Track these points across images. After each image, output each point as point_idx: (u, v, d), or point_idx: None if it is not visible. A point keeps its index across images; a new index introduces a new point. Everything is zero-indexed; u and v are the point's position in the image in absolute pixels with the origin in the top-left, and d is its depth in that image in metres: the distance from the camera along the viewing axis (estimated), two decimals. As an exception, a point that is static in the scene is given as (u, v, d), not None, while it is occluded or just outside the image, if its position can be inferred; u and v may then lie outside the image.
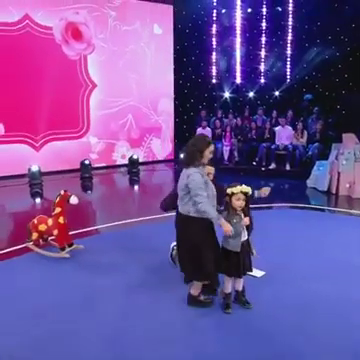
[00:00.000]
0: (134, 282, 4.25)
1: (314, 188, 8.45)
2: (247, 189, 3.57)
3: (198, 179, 3.50)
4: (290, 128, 9.93)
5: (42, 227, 4.91)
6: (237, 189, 3.55)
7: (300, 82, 11.67)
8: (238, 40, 12.09)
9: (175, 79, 12.00)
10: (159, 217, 6.48)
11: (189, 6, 11.63)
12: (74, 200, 4.85)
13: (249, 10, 11.80)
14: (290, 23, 11.80)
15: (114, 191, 9.49)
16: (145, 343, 3.24)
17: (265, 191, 3.99)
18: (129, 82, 10.95)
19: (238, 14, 11.87)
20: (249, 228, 3.62)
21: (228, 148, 10.19)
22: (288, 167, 9.67)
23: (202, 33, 12.22)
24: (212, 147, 3.63)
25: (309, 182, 8.61)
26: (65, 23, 9.79)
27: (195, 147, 3.59)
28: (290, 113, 10.39)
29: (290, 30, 11.83)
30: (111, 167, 10.98)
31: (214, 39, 12.22)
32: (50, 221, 4.89)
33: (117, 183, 10.36)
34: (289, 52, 11.93)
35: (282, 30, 12.07)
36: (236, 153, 10.17)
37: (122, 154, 11.14)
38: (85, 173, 9.72)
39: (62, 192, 4.89)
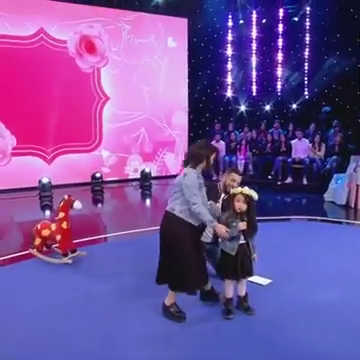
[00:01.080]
0: (135, 287, 4.31)
1: (332, 202, 8.37)
2: (249, 192, 3.60)
3: (194, 179, 3.57)
4: (307, 141, 9.94)
5: (45, 232, 5.03)
6: (238, 190, 3.60)
7: (319, 95, 11.71)
8: (254, 53, 12.28)
9: (190, 93, 12.21)
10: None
11: (204, 20, 11.90)
12: (78, 205, 4.97)
13: (264, 21, 12.00)
14: (308, 35, 11.93)
15: (123, 203, 9.63)
16: (141, 345, 3.26)
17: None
18: (142, 95, 11.20)
19: (254, 27, 12.09)
20: (246, 232, 3.61)
21: (243, 162, 10.24)
22: (305, 181, 9.62)
23: (218, 47, 12.45)
24: (215, 155, 3.75)
25: (327, 196, 8.53)
26: (79, 36, 10.18)
27: (202, 151, 3.68)
28: (312, 126, 10.46)
29: (308, 42, 11.96)
30: (123, 181, 11.13)
31: (230, 52, 12.45)
32: (53, 226, 5.01)
33: (127, 196, 10.49)
34: (307, 64, 12.02)
35: (300, 42, 12.21)
36: (251, 167, 10.19)
37: (134, 168, 11.30)
38: (96, 186, 9.92)
39: (66, 197, 5.02)
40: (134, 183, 10.90)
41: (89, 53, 10.38)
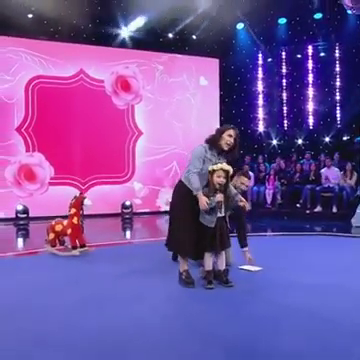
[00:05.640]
0: (131, 270, 4.82)
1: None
2: (227, 167, 4.10)
3: (200, 151, 4.13)
4: (336, 169, 10.13)
5: (58, 227, 5.70)
6: (218, 166, 4.08)
7: (352, 127, 11.98)
8: (286, 90, 12.95)
9: (224, 131, 12.89)
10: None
11: (236, 60, 12.81)
12: (88, 202, 5.65)
13: (299, 56, 12.73)
14: (338, 71, 12.47)
15: (149, 226, 10.33)
16: (129, 304, 3.67)
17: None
18: (175, 131, 12.07)
19: (284, 64, 12.86)
20: (225, 204, 4.04)
21: (271, 191, 10.53)
22: (335, 209, 9.69)
23: (251, 86, 13.27)
24: (232, 131, 4.17)
25: (354, 221, 8.58)
26: (115, 76, 11.44)
27: (219, 129, 4.29)
28: (336, 155, 10.73)
29: (338, 76, 12.48)
30: (154, 213, 11.73)
31: (262, 90, 13.21)
32: (65, 222, 5.69)
33: (155, 222, 11.03)
34: (338, 98, 12.45)
35: (334, 79, 12.73)
36: (279, 196, 10.45)
37: (166, 200, 11.90)
38: (126, 215, 10.64)
39: (77, 194, 5.71)
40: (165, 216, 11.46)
41: (124, 91, 11.56)
